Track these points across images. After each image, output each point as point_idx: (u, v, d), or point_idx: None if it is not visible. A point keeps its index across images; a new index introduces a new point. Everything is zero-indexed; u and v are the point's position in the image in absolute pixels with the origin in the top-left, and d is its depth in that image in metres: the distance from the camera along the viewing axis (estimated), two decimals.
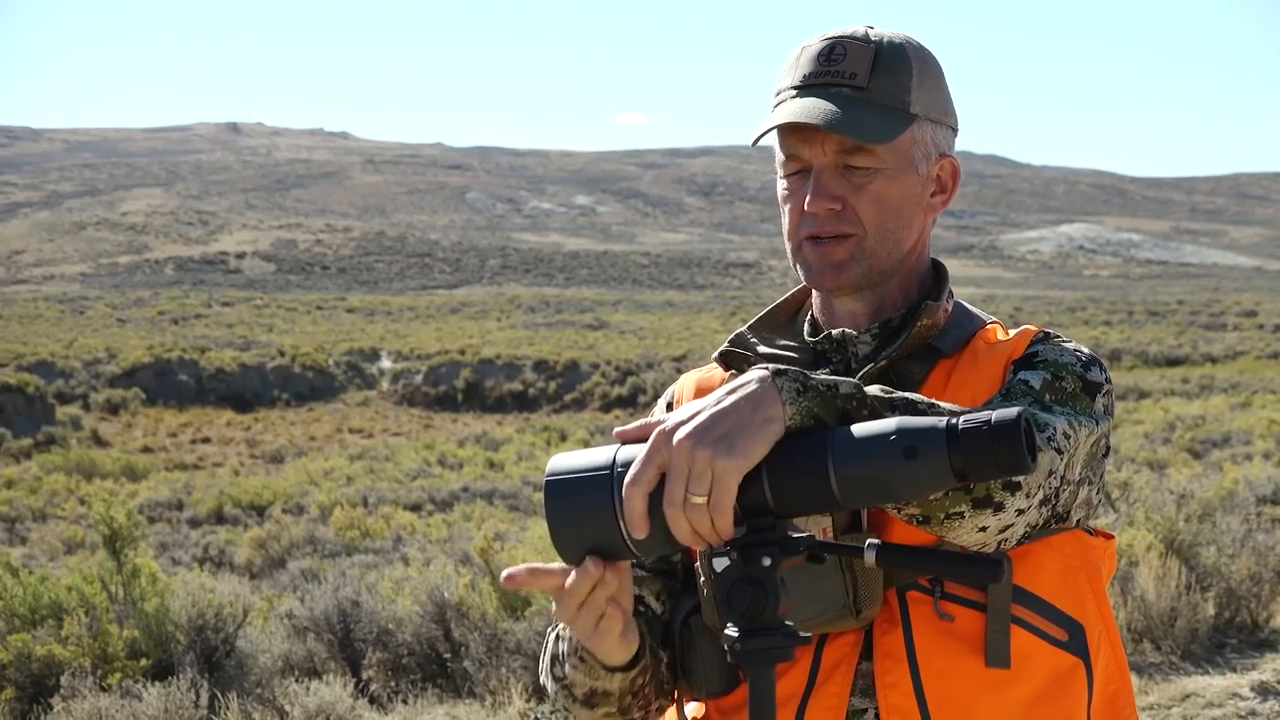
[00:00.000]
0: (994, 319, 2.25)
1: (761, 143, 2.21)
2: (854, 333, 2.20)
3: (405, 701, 8.13)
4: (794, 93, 2.14)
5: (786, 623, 1.76)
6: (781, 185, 2.20)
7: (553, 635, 2.19)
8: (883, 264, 2.17)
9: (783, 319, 2.32)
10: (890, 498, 1.73)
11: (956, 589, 2.04)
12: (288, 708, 7.21)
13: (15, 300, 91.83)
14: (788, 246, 2.22)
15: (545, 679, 2.20)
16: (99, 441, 35.75)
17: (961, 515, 1.86)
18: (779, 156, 2.19)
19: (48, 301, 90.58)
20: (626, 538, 1.78)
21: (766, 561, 1.74)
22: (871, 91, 2.11)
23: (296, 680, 7.67)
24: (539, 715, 7.44)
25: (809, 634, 1.88)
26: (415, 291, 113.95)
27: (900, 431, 1.71)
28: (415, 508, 19.24)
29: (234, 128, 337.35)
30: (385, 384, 50.75)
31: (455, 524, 16.58)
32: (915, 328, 2.15)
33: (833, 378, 1.81)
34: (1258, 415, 24.75)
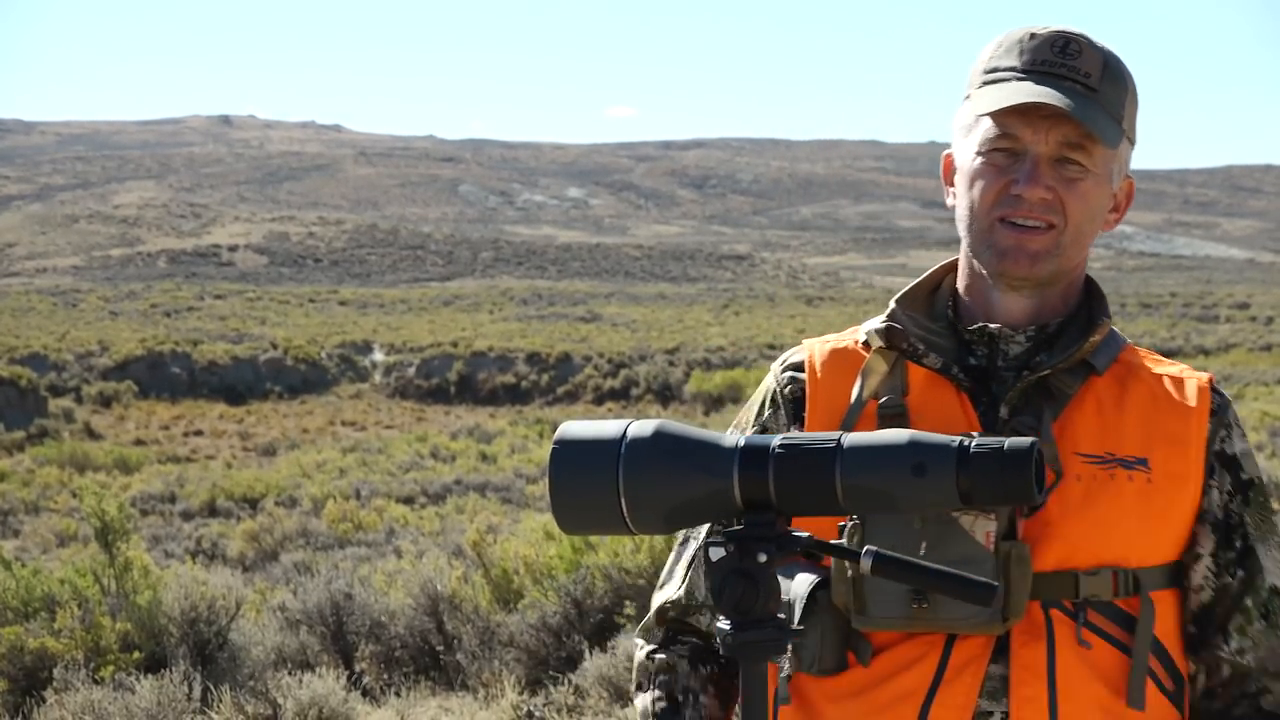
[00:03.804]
0: (1126, 338, 2.24)
1: (949, 111, 2.22)
2: (1011, 332, 2.17)
3: (398, 694, 8.13)
4: (1020, 75, 2.12)
5: (778, 616, 1.76)
6: (976, 159, 2.15)
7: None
8: (1068, 264, 2.16)
9: (922, 296, 2.27)
10: (893, 509, 1.75)
11: (1097, 619, 2.07)
12: (280, 700, 7.21)
13: (7, 293, 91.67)
14: (970, 224, 2.17)
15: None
16: (91, 434, 35.70)
17: None
18: (982, 130, 2.15)
19: (40, 294, 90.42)
20: (625, 514, 1.77)
21: (763, 558, 1.75)
22: (1101, 94, 2.11)
23: (289, 673, 7.66)
24: (531, 708, 7.44)
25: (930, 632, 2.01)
26: (408, 284, 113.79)
27: (913, 445, 1.71)
28: (408, 500, 19.23)
29: (226, 120, 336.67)
30: (378, 376, 50.69)
31: (448, 517, 16.58)
32: (1085, 344, 2.14)
33: None
34: (1250, 407, 24.77)
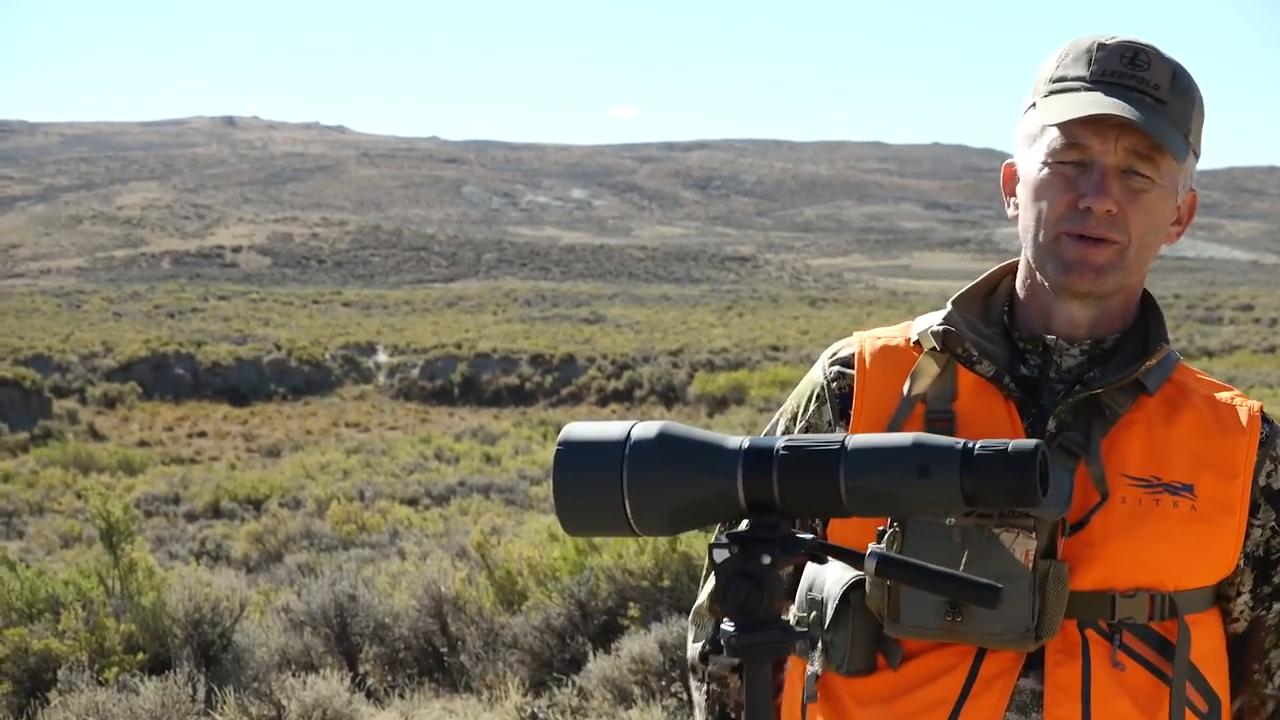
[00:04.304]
0: (1178, 355, 2.24)
1: (1012, 120, 2.20)
2: (1066, 344, 2.17)
3: (402, 696, 8.14)
4: (1088, 85, 2.11)
5: (782, 617, 1.77)
6: (1043, 170, 2.13)
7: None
8: (1130, 278, 2.16)
9: (979, 298, 2.25)
10: (897, 511, 1.74)
11: (1132, 641, 2.07)
12: (284, 702, 7.22)
13: (11, 294, 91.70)
14: (1036, 235, 2.15)
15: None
16: (95, 435, 35.70)
17: None
18: (1048, 139, 2.13)
19: (44, 295, 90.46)
20: (629, 515, 1.77)
21: (767, 559, 1.75)
22: (1169, 107, 2.11)
23: (293, 674, 7.67)
24: (535, 710, 7.44)
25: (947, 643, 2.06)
26: (411, 285, 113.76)
27: (918, 446, 1.71)
28: (412, 502, 19.23)
29: (230, 121, 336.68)
30: (381, 378, 50.69)
31: (452, 518, 16.60)
32: (1140, 366, 2.14)
33: None
34: None
